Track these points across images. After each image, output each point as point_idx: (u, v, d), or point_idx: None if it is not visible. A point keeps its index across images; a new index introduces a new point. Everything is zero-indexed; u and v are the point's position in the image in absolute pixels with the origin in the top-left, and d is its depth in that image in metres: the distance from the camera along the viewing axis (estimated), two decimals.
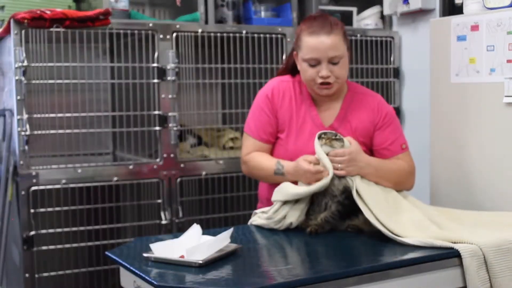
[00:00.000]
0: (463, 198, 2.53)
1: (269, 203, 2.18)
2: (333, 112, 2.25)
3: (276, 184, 2.17)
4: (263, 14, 3.01)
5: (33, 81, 2.48)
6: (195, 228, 1.90)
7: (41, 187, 2.49)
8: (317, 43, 2.11)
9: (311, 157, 2.07)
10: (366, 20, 3.26)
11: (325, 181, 2.01)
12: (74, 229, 2.58)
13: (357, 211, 2.03)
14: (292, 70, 2.28)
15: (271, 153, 2.28)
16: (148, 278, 1.65)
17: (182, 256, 1.75)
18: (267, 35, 2.89)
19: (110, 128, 2.91)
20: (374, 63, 3.17)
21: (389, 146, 2.22)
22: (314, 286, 1.63)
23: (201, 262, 1.72)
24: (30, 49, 2.47)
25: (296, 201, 2.06)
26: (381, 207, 1.99)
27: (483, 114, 2.45)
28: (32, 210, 2.48)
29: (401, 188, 2.20)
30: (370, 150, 2.24)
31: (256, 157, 2.25)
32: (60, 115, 2.54)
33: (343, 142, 2.06)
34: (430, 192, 2.71)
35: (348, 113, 2.24)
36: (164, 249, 1.80)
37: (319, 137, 2.07)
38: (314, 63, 2.13)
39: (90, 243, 2.64)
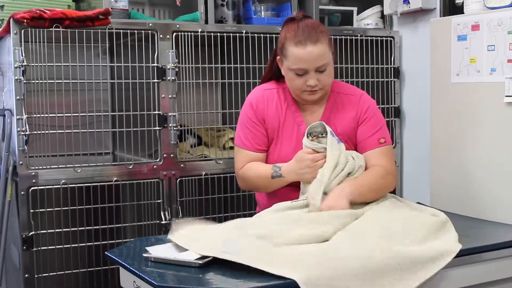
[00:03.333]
0: (464, 198, 2.53)
1: (267, 207, 2.16)
2: (317, 114, 2.24)
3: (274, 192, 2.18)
4: (263, 13, 3.00)
5: (33, 81, 2.47)
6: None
7: (41, 187, 2.49)
8: (304, 54, 2.07)
9: (306, 150, 2.08)
10: (366, 19, 3.25)
11: (331, 164, 2.03)
12: (73, 229, 2.57)
13: None
14: (277, 73, 2.25)
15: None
16: (148, 278, 1.64)
17: None
18: (267, 35, 2.88)
19: (110, 128, 2.90)
20: (374, 63, 3.16)
21: (366, 140, 2.20)
22: None
23: (201, 262, 1.72)
24: (30, 49, 2.46)
25: None
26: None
27: (484, 114, 2.44)
28: (31, 210, 2.47)
29: (383, 194, 2.15)
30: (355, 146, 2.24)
31: (251, 167, 2.21)
32: (59, 115, 2.53)
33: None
34: (430, 192, 2.70)
35: (332, 114, 2.23)
36: (161, 251, 1.80)
37: (307, 136, 2.10)
38: (302, 72, 2.10)
39: (90, 243, 2.63)
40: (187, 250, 1.83)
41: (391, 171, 2.17)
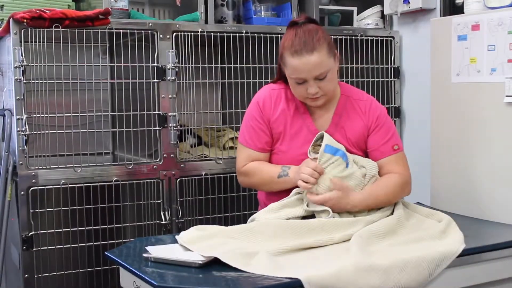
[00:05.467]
0: (464, 198, 2.52)
1: (267, 205, 2.17)
2: (327, 117, 2.23)
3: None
4: (263, 13, 3.00)
5: (33, 81, 2.47)
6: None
7: (41, 187, 2.48)
8: (300, 64, 2.05)
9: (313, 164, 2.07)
10: (367, 19, 3.25)
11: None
12: (73, 229, 2.57)
13: None
14: (285, 77, 2.23)
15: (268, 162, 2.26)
16: (147, 279, 1.64)
17: None
18: (267, 35, 2.88)
19: (110, 128, 2.90)
20: (375, 63, 3.16)
21: (380, 148, 2.20)
22: None
23: (201, 262, 1.72)
24: (30, 49, 2.46)
25: None
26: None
27: (484, 114, 2.44)
28: (31, 210, 2.47)
29: (397, 200, 2.19)
30: (366, 153, 2.24)
31: (255, 165, 2.22)
32: (59, 115, 2.53)
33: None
34: (430, 192, 2.70)
35: (341, 119, 2.23)
36: (161, 251, 1.80)
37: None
38: (301, 81, 2.10)
39: (90, 243, 2.63)
40: (187, 250, 1.83)
41: (408, 179, 2.20)
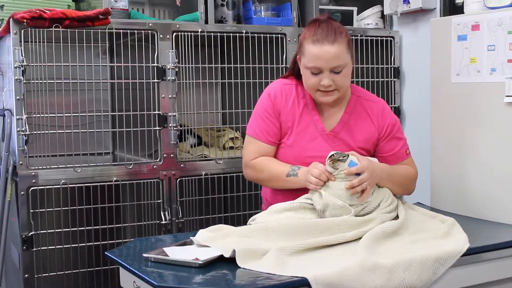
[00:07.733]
0: (464, 198, 2.53)
1: (271, 203, 2.17)
2: (336, 116, 2.24)
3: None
4: (263, 13, 3.00)
5: (33, 81, 2.47)
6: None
7: (41, 187, 2.49)
8: (320, 52, 2.07)
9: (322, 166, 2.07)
10: (367, 19, 3.26)
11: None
12: (73, 229, 2.58)
13: None
14: (297, 73, 2.25)
15: (274, 156, 2.26)
16: (147, 279, 1.64)
17: (197, 259, 1.74)
18: (267, 35, 2.88)
19: (110, 128, 2.91)
20: (375, 63, 3.16)
21: (396, 153, 2.26)
22: None
23: (201, 262, 1.72)
24: (30, 49, 2.46)
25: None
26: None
27: (484, 114, 2.44)
28: (31, 210, 2.47)
29: (405, 192, 2.28)
30: (371, 154, 2.25)
31: (265, 161, 2.22)
32: (59, 115, 2.53)
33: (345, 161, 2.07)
34: (430, 192, 2.70)
35: (351, 119, 2.24)
36: (178, 252, 1.80)
37: (329, 157, 2.07)
38: (317, 71, 2.10)
39: (90, 243, 2.63)
40: (203, 250, 1.82)
41: (416, 177, 2.32)
